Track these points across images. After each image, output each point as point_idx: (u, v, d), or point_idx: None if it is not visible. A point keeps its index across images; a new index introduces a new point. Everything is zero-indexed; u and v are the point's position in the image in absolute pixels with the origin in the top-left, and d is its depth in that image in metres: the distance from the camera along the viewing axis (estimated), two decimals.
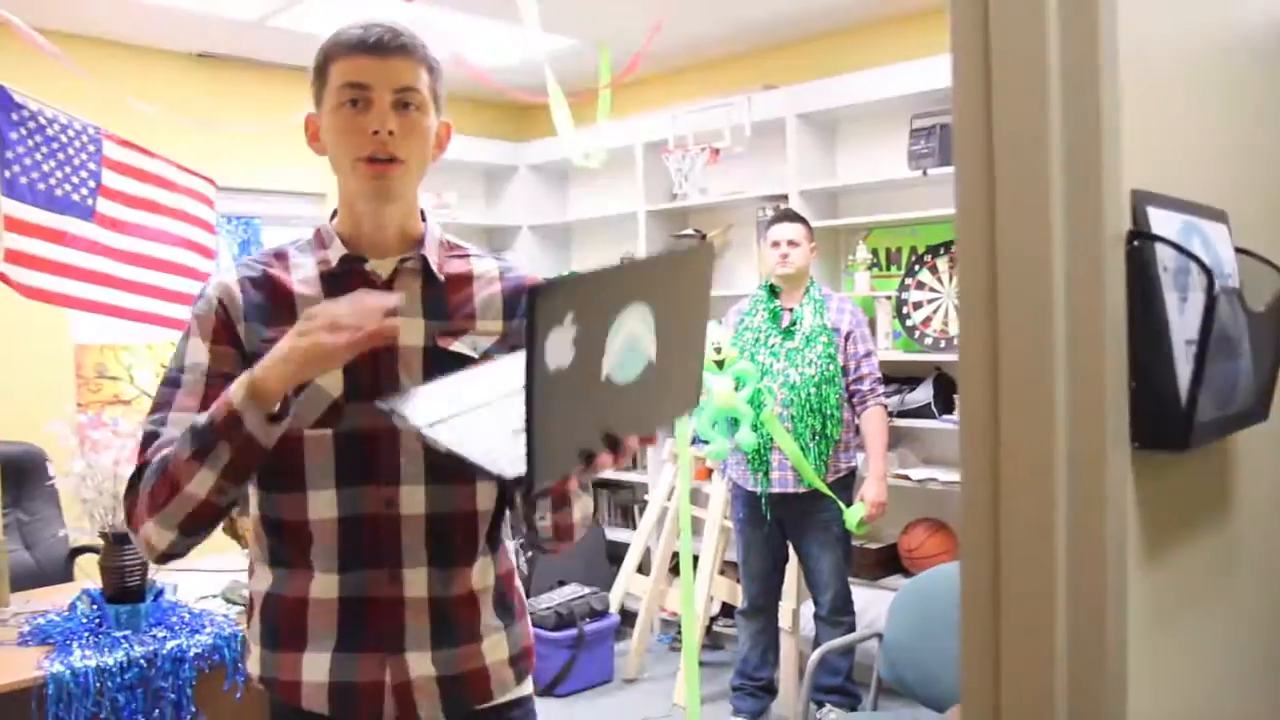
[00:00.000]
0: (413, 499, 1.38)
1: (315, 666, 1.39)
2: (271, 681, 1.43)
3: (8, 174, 3.12)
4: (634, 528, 5.34)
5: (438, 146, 1.46)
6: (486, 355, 1.41)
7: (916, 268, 4.22)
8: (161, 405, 1.38)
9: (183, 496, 1.28)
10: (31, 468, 3.48)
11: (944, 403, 4.06)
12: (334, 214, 1.47)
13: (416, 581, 1.39)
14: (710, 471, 4.51)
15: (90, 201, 3.40)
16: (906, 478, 4.04)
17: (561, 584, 4.54)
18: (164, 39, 4.62)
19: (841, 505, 3.53)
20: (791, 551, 3.78)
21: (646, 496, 4.87)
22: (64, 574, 3.47)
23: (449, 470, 1.35)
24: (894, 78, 4.13)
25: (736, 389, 3.38)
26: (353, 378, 1.36)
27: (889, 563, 4.21)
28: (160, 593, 2.82)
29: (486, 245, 5.82)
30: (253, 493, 1.44)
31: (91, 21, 4.36)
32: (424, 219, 1.48)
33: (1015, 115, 0.94)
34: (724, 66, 5.15)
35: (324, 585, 1.39)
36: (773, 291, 3.71)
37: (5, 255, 3.09)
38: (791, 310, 3.63)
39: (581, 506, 1.43)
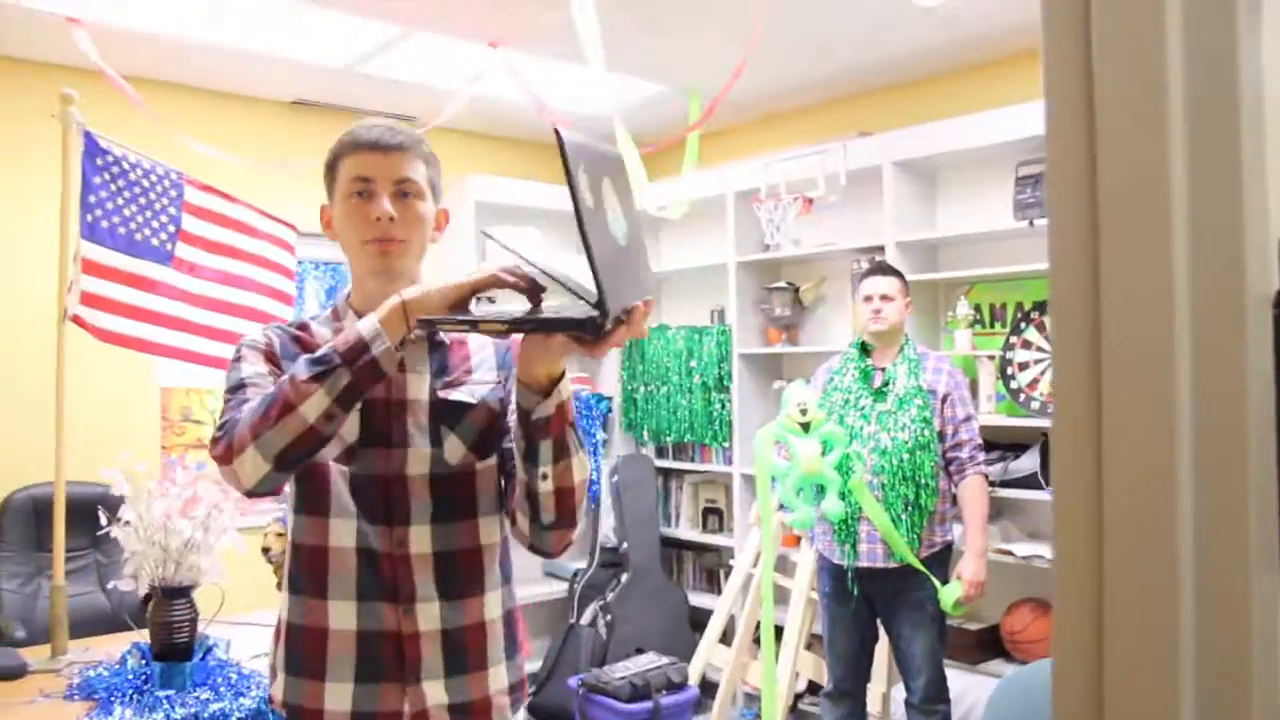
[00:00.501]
0: (420, 538, 1.52)
1: (338, 696, 1.50)
2: (296, 709, 1.53)
3: (89, 218, 3.12)
4: (719, 593, 5.12)
5: (436, 228, 1.64)
6: (483, 401, 1.58)
7: (1022, 325, 3.94)
8: (235, 406, 1.48)
9: (294, 418, 1.37)
10: (113, 509, 3.45)
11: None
12: (348, 294, 1.66)
13: (429, 615, 1.51)
14: (799, 538, 4.27)
15: (169, 246, 3.38)
16: (1010, 553, 3.74)
17: (639, 652, 4.34)
18: (259, 87, 4.67)
19: (936, 583, 3.26)
20: (881, 630, 3.51)
21: (732, 561, 4.64)
22: (139, 619, 3.41)
23: (453, 510, 1.54)
24: (997, 123, 3.89)
25: (823, 453, 3.15)
26: (366, 425, 1.52)
27: (990, 645, 3.89)
28: (210, 650, 2.72)
29: None
30: (289, 518, 1.57)
31: (189, 71, 4.42)
32: None
33: (1125, 150, 0.73)
34: (818, 113, 4.98)
35: (342, 615, 1.50)
36: (864, 349, 3.49)
37: (81, 298, 3.08)
38: (884, 370, 3.40)
39: (580, 465, 1.46)
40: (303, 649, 1.53)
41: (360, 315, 1.50)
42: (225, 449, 1.42)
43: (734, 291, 4.89)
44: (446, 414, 1.56)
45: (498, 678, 1.59)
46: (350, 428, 1.51)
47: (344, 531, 1.51)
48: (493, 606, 1.59)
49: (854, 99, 4.82)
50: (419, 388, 1.57)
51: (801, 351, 4.77)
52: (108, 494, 3.44)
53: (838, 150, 4.33)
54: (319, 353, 1.40)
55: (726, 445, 4.97)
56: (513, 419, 1.47)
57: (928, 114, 4.33)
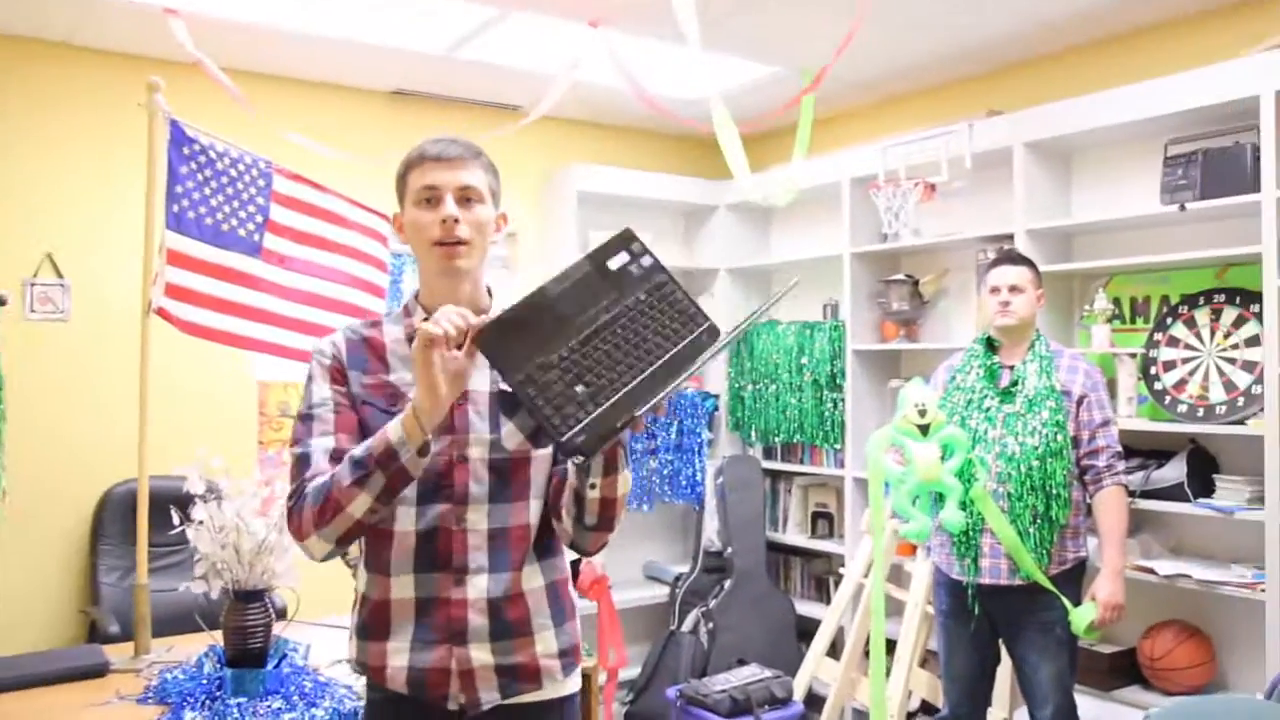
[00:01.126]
0: (478, 515, 1.70)
1: (397, 655, 1.70)
2: (365, 666, 1.75)
3: (175, 208, 3.06)
4: (827, 601, 4.85)
5: (496, 230, 1.78)
6: None
7: (1168, 321, 3.57)
8: (302, 436, 1.71)
9: (343, 516, 1.60)
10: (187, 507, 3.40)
11: (1200, 483, 3.38)
12: (416, 292, 1.81)
13: (478, 584, 1.69)
14: (914, 548, 3.98)
15: (257, 237, 3.30)
16: (1151, 571, 3.38)
17: (741, 663, 4.12)
18: (358, 77, 4.59)
19: (1067, 604, 2.95)
20: (1004, 652, 3.21)
21: (843, 569, 4.37)
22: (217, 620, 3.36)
23: (507, 491, 1.71)
24: (1141, 98, 3.52)
25: (943, 459, 2.86)
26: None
27: (1125, 671, 3.53)
28: (285, 656, 2.61)
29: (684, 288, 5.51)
30: None
31: (283, 61, 4.37)
32: (490, 294, 1.83)
33: None
34: (940, 93, 4.65)
35: (402, 586, 1.70)
36: (991, 346, 3.18)
37: (166, 290, 3.01)
38: (1013, 368, 3.10)
39: (624, 480, 1.64)
40: (371, 617, 1.74)
41: (428, 312, 1.71)
42: (296, 530, 1.68)
43: (849, 284, 4.60)
44: (504, 404, 1.72)
45: (545, 642, 1.75)
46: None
47: (406, 517, 1.69)
48: (531, 578, 1.74)
49: (981, 76, 4.47)
50: (480, 380, 1.73)
51: (920, 349, 4.46)
52: (210, 485, 3.41)
53: (963, 131, 4.01)
54: (358, 454, 1.59)
55: (838, 447, 4.69)
56: None
57: (1063, 90, 3.98)
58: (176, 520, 2.53)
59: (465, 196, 1.71)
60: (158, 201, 3.00)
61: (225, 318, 3.19)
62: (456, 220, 1.68)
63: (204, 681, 2.51)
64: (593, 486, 1.61)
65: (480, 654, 1.69)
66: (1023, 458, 2.97)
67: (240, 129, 3.54)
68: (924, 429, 2.89)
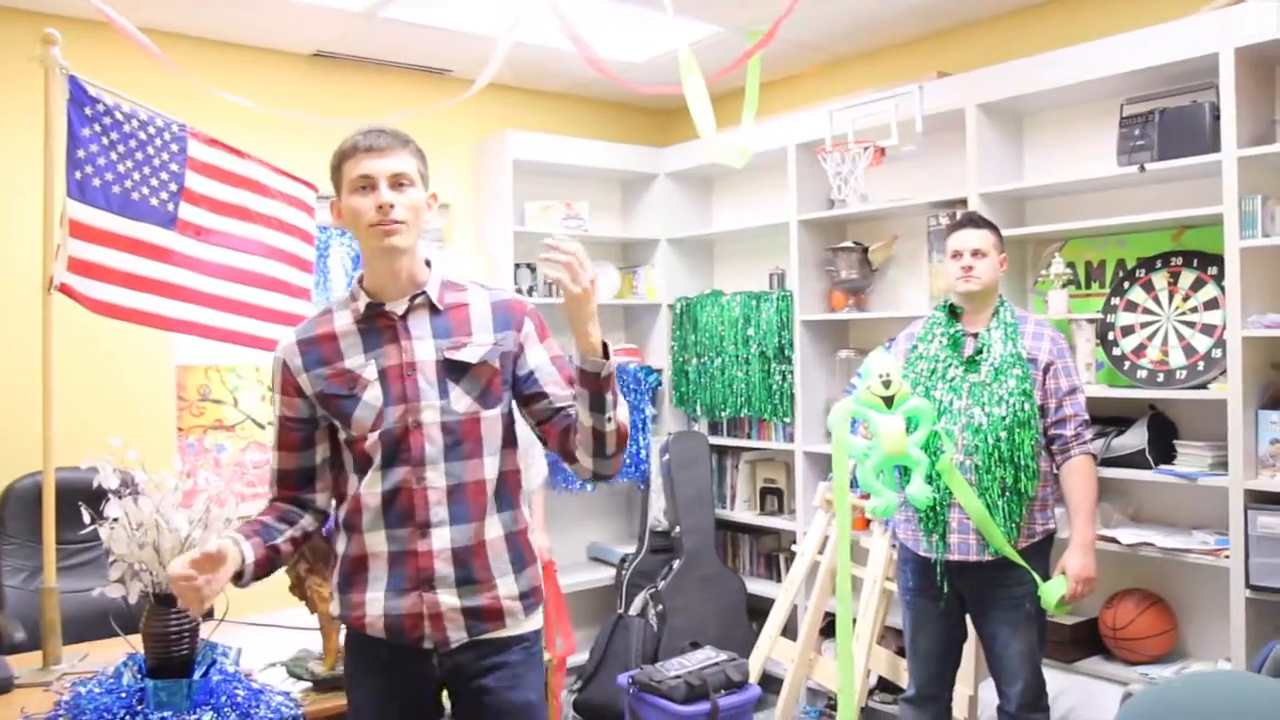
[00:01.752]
0: (436, 474, 1.89)
1: (374, 603, 1.89)
2: (345, 617, 1.95)
3: (78, 175, 2.79)
4: (778, 579, 4.74)
5: (428, 209, 1.95)
6: (483, 360, 1.93)
7: (1126, 285, 3.49)
8: (274, 445, 2.01)
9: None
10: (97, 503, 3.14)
11: (1160, 450, 3.33)
12: (360, 276, 1.98)
13: (441, 535, 1.88)
14: (868, 522, 3.88)
15: (171, 207, 3.04)
16: (1113, 540, 3.31)
17: (695, 645, 3.97)
18: (277, 38, 4.31)
19: (1037, 578, 2.86)
20: (971, 628, 3.12)
21: (795, 546, 4.26)
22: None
23: (461, 451, 1.90)
24: (1096, 57, 3.43)
25: (909, 431, 2.73)
26: (385, 389, 1.90)
27: (1087, 642, 3.48)
28: (213, 663, 2.39)
29: (623, 259, 5.35)
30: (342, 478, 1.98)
31: (198, 21, 4.08)
32: (429, 265, 2.00)
33: None
34: (889, 54, 4.53)
35: (375, 542, 1.90)
36: (953, 313, 3.07)
37: (69, 264, 2.75)
38: (976, 336, 2.99)
39: (625, 405, 1.92)
40: (350, 571, 1.93)
41: (371, 295, 1.93)
42: None
43: (795, 253, 4.47)
44: (451, 371, 1.92)
45: (506, 586, 1.94)
46: (374, 392, 1.90)
47: (373, 480, 1.89)
48: (492, 528, 1.92)
49: (930, 36, 4.36)
50: (426, 350, 1.91)
51: (870, 318, 4.35)
52: (123, 477, 3.15)
53: (913, 93, 3.88)
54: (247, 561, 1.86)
55: (787, 420, 4.56)
56: (547, 387, 1.97)
57: (1016, 49, 3.88)
58: (87, 519, 2.29)
59: (398, 182, 1.87)
60: (57, 167, 2.73)
61: (138, 295, 2.94)
62: (391, 205, 1.84)
63: (123, 695, 2.27)
64: (609, 420, 1.87)
65: (448, 598, 1.88)
66: (990, 429, 2.86)
67: (152, 95, 3.25)
68: (888, 401, 2.75)
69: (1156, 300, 3.40)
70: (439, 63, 4.66)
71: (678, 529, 4.63)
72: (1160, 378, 3.32)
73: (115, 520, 2.24)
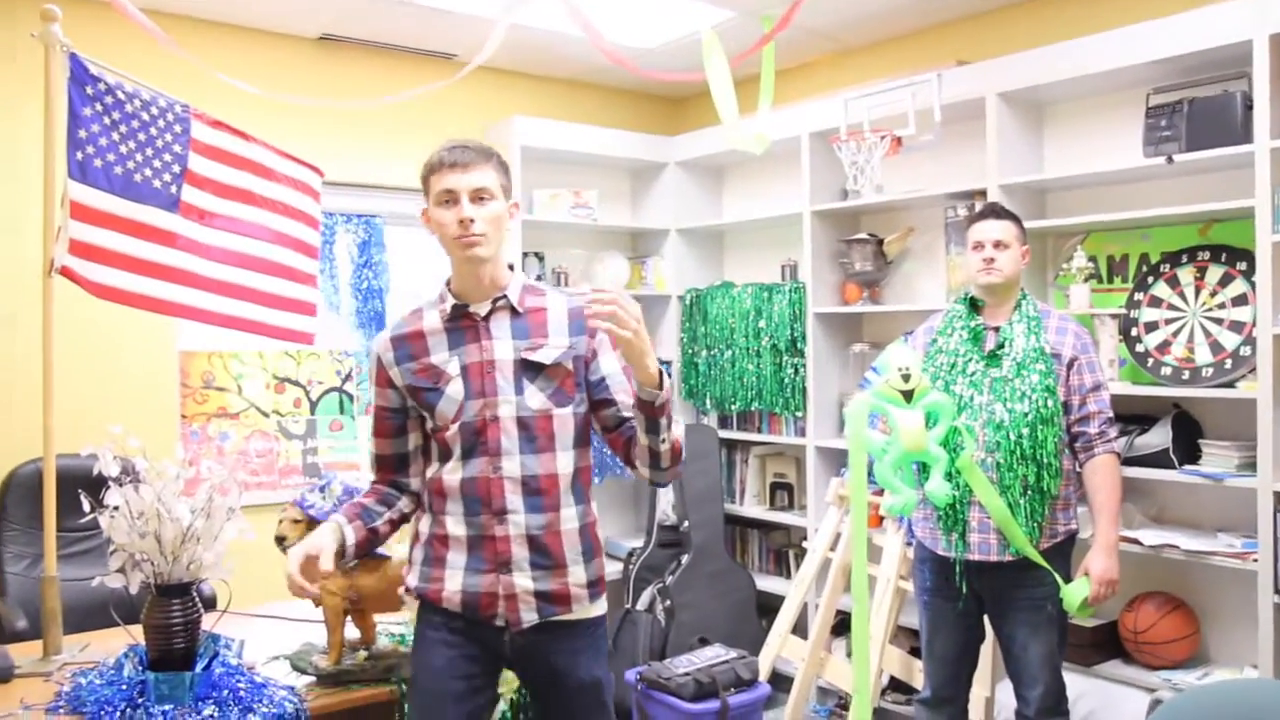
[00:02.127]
0: (511, 465, 2.02)
1: (453, 579, 2.03)
2: (424, 590, 2.07)
3: (79, 155, 2.72)
4: (788, 576, 4.68)
5: (509, 218, 2.07)
6: (557, 361, 2.05)
7: (1150, 280, 3.42)
8: (371, 433, 2.16)
9: None
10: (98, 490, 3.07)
11: (1185, 449, 3.25)
12: (449, 279, 2.12)
13: (518, 522, 2.01)
14: (882, 519, 3.81)
15: (174, 189, 2.97)
16: (1137, 542, 3.24)
17: (703, 642, 3.90)
18: (283, 20, 4.23)
19: (1059, 580, 2.79)
20: (988, 629, 3.05)
21: (805, 542, 4.19)
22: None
23: (535, 445, 2.02)
24: (1122, 44, 3.35)
25: (928, 426, 2.65)
26: (466, 384, 2.04)
27: (1106, 645, 3.41)
28: (215, 656, 2.32)
29: (631, 250, 5.28)
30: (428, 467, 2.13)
31: (205, 3, 4.00)
32: (511, 269, 2.13)
33: None
34: (906, 42, 4.44)
35: (455, 525, 2.04)
36: (974, 306, 2.99)
37: (70, 247, 2.68)
38: (998, 330, 2.91)
39: (679, 424, 2.05)
40: (433, 549, 2.07)
41: (456, 297, 2.08)
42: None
43: (809, 244, 4.39)
44: (527, 370, 2.05)
45: (575, 574, 2.07)
46: (456, 386, 2.04)
47: (455, 468, 2.03)
48: (566, 520, 2.05)
49: (950, 23, 4.27)
50: (505, 350, 2.05)
51: (884, 311, 4.27)
52: (125, 464, 3.09)
53: (931, 82, 3.80)
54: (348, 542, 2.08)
55: (799, 415, 4.49)
56: (608, 403, 2.09)
57: (1037, 37, 3.80)
58: (87, 507, 2.22)
59: (479, 196, 1.98)
60: (58, 147, 2.66)
61: (139, 279, 2.87)
62: (472, 220, 1.97)
63: (123, 687, 2.22)
64: (664, 441, 2.00)
65: (523, 580, 2.01)
66: (1012, 425, 2.78)
67: (156, 78, 3.17)
68: (908, 395, 2.67)
69: (1182, 296, 3.32)
70: (445, 47, 4.58)
71: (686, 523, 4.56)
72: (1185, 375, 3.25)
73: (116, 509, 2.17)
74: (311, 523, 2.38)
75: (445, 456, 2.06)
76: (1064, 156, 3.80)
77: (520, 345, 2.05)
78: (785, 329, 4.49)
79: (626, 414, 2.07)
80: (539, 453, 2.03)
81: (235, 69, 4.11)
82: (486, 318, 2.05)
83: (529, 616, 2.04)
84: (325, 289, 4.28)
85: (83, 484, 2.41)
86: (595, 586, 2.12)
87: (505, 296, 2.07)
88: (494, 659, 2.11)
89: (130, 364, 3.93)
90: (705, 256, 5.24)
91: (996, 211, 2.98)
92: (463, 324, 2.07)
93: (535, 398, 2.03)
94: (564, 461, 2.05)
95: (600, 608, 2.16)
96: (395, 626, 2.70)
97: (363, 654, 2.43)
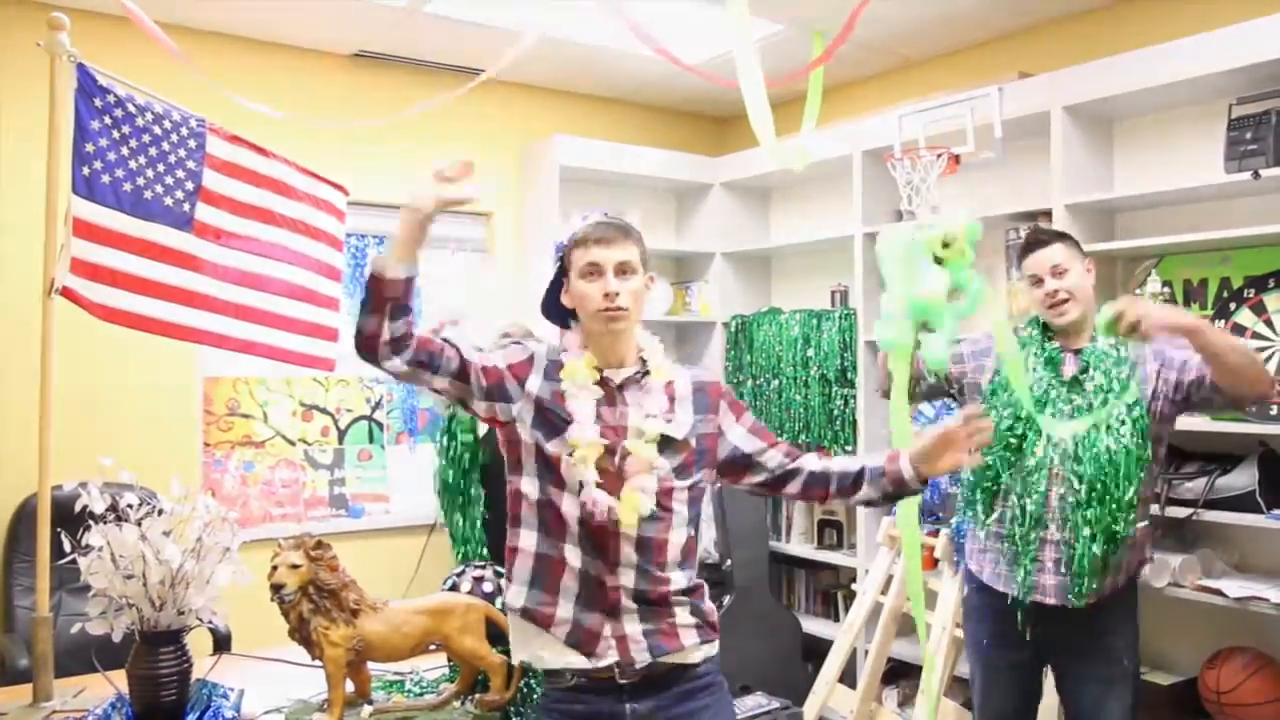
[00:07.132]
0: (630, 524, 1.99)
1: (565, 607, 1.97)
2: (530, 611, 1.98)
3: (85, 170, 2.58)
4: (836, 618, 4.42)
5: (646, 289, 2.07)
6: (684, 437, 2.03)
7: (1232, 306, 3.15)
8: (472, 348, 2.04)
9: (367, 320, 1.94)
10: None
11: (1273, 491, 2.96)
12: (584, 343, 2.08)
13: (628, 576, 1.96)
14: (936, 561, 3.55)
15: (188, 207, 2.83)
16: (1218, 592, 2.96)
17: (745, 690, 3.67)
18: (316, 37, 4.12)
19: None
20: (1050, 682, 2.77)
21: (854, 584, 3.94)
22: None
23: (653, 513, 1.99)
24: (1198, 52, 3.10)
25: (949, 298, 2.31)
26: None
27: (1185, 704, 3.12)
28: (209, 708, 2.14)
29: (675, 274, 5.09)
30: (529, 481, 2.01)
31: (233, 19, 3.91)
32: (645, 343, 2.15)
33: None
34: (964, 55, 4.23)
35: (571, 555, 1.98)
36: (1046, 329, 2.72)
37: (72, 266, 2.54)
38: (1079, 353, 2.63)
39: None
40: (540, 570, 1.99)
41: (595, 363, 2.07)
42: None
43: (860, 268, 4.16)
44: (659, 444, 2.02)
45: (683, 617, 1.98)
46: (583, 430, 2.01)
47: (574, 502, 1.95)
48: (677, 581, 1.98)
49: (1011, 35, 4.05)
50: (636, 418, 2.02)
51: None
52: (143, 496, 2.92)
53: (992, 96, 3.57)
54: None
55: (849, 447, 4.25)
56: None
57: (1106, 46, 3.55)
58: (67, 547, 2.06)
59: (622, 270, 1.99)
60: (62, 162, 2.53)
61: (149, 300, 2.72)
62: (616, 294, 1.98)
63: None
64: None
65: (631, 624, 1.96)
66: (1094, 459, 2.51)
67: (174, 96, 3.04)
68: (939, 260, 2.36)
69: (1269, 324, 3.05)
70: (480, 63, 4.44)
71: (729, 562, 4.33)
72: (1274, 410, 2.97)
73: (99, 550, 2.01)
74: (309, 572, 2.17)
75: (560, 484, 2.02)
76: (1136, 174, 3.54)
77: (648, 415, 2.04)
78: (835, 358, 4.26)
79: (771, 463, 2.10)
80: (655, 519, 1.99)
81: (269, 86, 4.01)
82: (620, 386, 2.05)
83: (641, 658, 1.97)
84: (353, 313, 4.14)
85: (92, 516, 2.25)
86: (704, 629, 2.07)
87: (642, 370, 2.07)
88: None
89: (151, 390, 3.81)
90: (751, 281, 5.03)
91: (1042, 240, 2.69)
92: (602, 389, 2.05)
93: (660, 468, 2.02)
94: (678, 532, 2.02)
95: (712, 648, 2.09)
96: (392, 675, 2.50)
97: (367, 710, 2.22)
